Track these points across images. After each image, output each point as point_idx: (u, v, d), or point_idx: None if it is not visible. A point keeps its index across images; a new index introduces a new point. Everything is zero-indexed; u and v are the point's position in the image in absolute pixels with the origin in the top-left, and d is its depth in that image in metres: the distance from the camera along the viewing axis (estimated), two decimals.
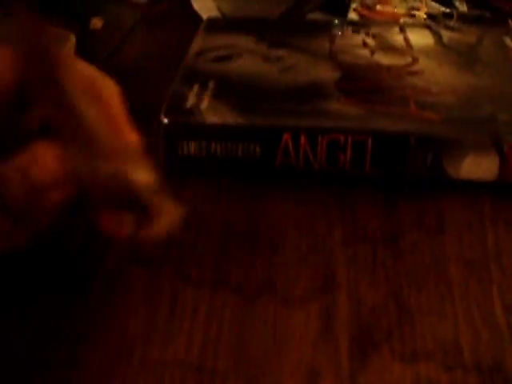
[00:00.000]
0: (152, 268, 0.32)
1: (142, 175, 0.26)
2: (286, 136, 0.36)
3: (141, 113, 0.45)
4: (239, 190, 0.37)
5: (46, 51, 0.26)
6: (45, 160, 0.26)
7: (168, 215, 0.27)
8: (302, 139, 0.36)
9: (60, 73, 0.26)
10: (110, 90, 0.29)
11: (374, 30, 0.47)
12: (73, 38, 0.50)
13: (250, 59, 0.43)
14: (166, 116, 0.37)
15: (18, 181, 0.25)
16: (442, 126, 0.36)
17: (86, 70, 0.29)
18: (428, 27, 0.47)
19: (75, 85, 0.26)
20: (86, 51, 0.51)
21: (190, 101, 0.38)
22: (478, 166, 0.36)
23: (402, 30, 0.47)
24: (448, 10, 0.54)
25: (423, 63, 0.42)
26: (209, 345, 0.28)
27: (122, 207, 0.27)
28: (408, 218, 0.35)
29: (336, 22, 0.50)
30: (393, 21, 0.53)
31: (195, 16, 0.60)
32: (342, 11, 0.55)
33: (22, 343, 0.28)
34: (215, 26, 0.49)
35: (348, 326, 0.29)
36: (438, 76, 0.41)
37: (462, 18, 0.53)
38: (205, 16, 0.59)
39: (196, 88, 0.39)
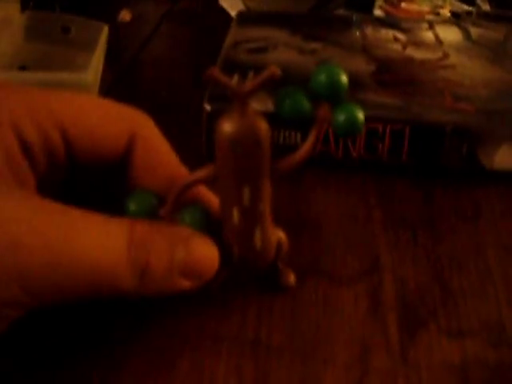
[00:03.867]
0: None
1: None
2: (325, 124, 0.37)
3: (177, 102, 0.47)
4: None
5: None
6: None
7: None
8: None
9: None
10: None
11: (402, 26, 0.48)
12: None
13: (285, 51, 0.44)
14: (208, 103, 0.38)
15: None
16: (477, 117, 0.37)
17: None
18: (455, 24, 0.49)
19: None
20: (115, 43, 0.53)
21: None
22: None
23: (431, 26, 0.48)
24: (471, 9, 0.55)
25: (454, 58, 0.43)
26: (262, 321, 0.29)
27: None
28: (444, 204, 0.37)
29: (363, 17, 0.51)
30: (419, 18, 0.54)
31: (219, 9, 0.61)
32: (367, 8, 0.56)
33: None
34: (247, 19, 0.50)
35: (395, 305, 0.30)
36: (469, 70, 0.42)
37: (485, 16, 0.54)
38: (230, 9, 0.60)
39: (236, 77, 0.40)
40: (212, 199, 0.29)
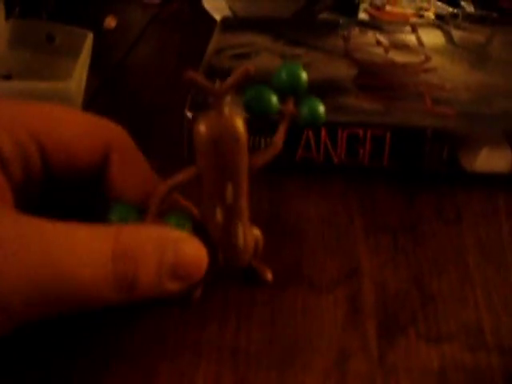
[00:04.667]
0: None
1: None
2: (307, 130, 0.37)
3: (162, 108, 0.47)
4: (260, 183, 0.38)
5: None
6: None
7: None
8: (323, 133, 0.37)
9: None
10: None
11: (385, 29, 0.48)
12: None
13: (268, 57, 0.44)
14: (190, 110, 0.38)
15: None
16: (457, 120, 0.38)
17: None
18: (438, 27, 0.49)
19: None
20: (100, 50, 0.53)
21: None
22: (492, 160, 0.38)
23: (414, 29, 0.48)
24: (455, 11, 0.55)
25: (436, 61, 0.44)
26: (241, 328, 0.29)
27: None
28: (425, 208, 0.37)
29: (348, 21, 0.51)
30: (402, 21, 0.54)
31: (206, 15, 0.61)
32: (352, 11, 0.57)
33: None
34: (231, 25, 0.50)
35: (374, 310, 0.30)
36: (451, 73, 0.42)
37: (469, 18, 0.54)
38: (216, 15, 0.60)
39: (218, 84, 0.40)
40: (189, 206, 0.29)
